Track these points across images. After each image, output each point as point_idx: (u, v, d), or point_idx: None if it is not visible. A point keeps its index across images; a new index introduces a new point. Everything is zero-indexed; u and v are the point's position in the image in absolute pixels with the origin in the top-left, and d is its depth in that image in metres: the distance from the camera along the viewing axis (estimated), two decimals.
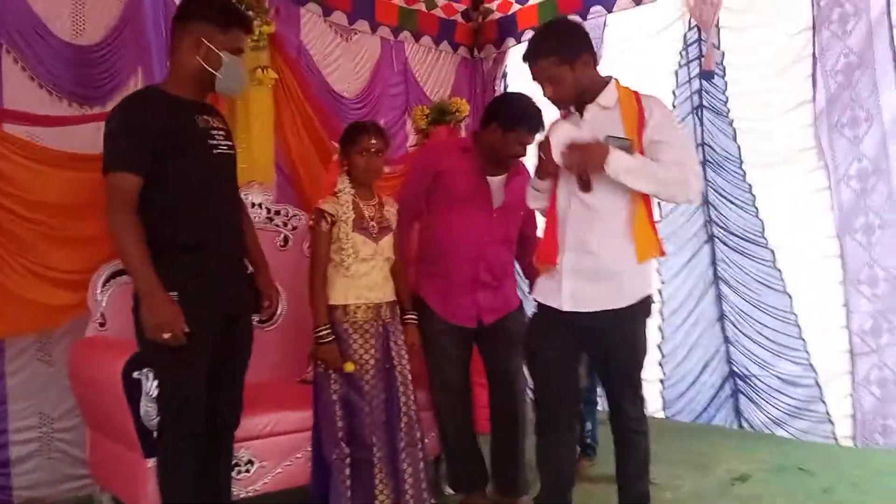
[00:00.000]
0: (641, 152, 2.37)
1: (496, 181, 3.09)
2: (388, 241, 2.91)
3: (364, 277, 2.84)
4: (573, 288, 2.44)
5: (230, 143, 2.51)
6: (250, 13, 3.26)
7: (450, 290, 3.06)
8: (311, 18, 4.40)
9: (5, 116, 3.15)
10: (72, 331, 3.14)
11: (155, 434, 2.47)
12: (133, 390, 2.45)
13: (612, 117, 2.40)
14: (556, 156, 2.38)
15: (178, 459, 2.37)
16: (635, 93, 2.46)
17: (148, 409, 2.46)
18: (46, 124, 3.23)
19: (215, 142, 2.42)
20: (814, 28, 4.03)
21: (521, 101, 3.05)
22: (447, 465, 3.20)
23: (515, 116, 2.96)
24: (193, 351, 2.30)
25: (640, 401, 2.56)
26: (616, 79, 2.50)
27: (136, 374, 2.46)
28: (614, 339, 2.47)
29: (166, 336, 2.22)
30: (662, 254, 2.54)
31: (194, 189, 2.35)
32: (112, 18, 3.54)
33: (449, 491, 3.26)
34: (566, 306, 2.45)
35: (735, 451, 3.75)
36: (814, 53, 4.05)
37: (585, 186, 2.41)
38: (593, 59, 2.49)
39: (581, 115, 2.46)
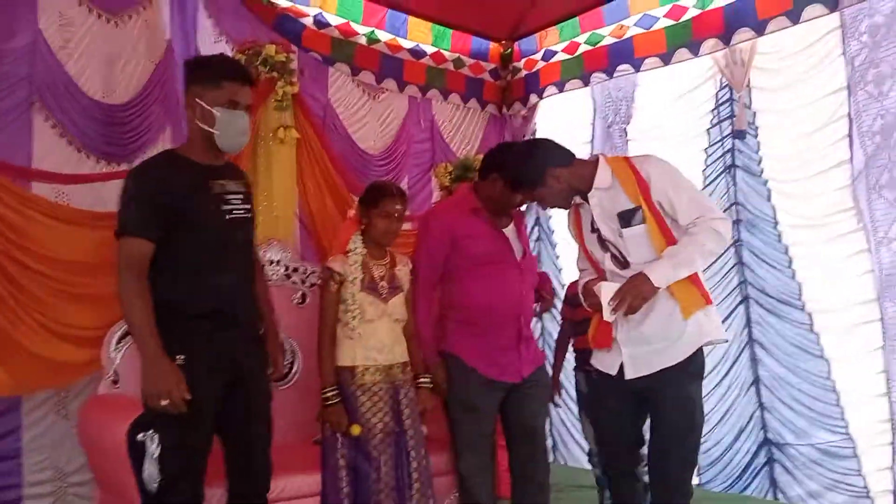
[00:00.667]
0: (655, 213, 2.48)
1: (510, 232, 3.11)
2: (398, 301, 2.87)
3: (372, 338, 2.81)
4: (632, 353, 2.52)
5: (248, 207, 2.48)
6: (275, 73, 3.32)
7: (493, 348, 3.00)
8: (339, 77, 4.48)
9: (33, 176, 3.24)
10: (89, 386, 3.16)
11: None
12: (137, 451, 2.39)
13: (614, 194, 2.54)
14: (610, 317, 2.47)
15: None
16: (626, 159, 2.59)
17: (151, 471, 2.39)
18: (72, 182, 3.32)
19: (230, 206, 2.40)
20: (849, 88, 3.96)
21: (532, 159, 3.03)
22: None
23: (529, 176, 2.87)
24: (193, 421, 2.26)
25: (687, 479, 2.58)
26: (602, 154, 2.65)
27: (140, 437, 2.40)
28: (669, 403, 2.52)
29: (164, 403, 2.20)
30: (709, 301, 2.57)
31: (204, 258, 2.34)
32: (142, 79, 3.65)
33: None
34: (629, 374, 2.53)
35: None
36: (849, 114, 3.97)
37: (622, 265, 2.54)
38: (566, 162, 2.64)
39: (587, 202, 2.60)
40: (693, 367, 2.52)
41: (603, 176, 2.56)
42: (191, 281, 2.32)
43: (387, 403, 2.79)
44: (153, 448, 2.38)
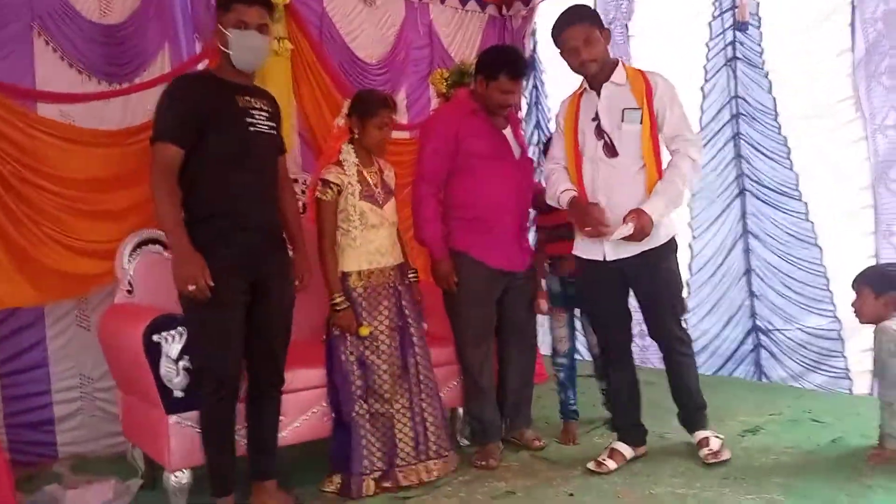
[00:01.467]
0: (652, 117, 2.84)
1: (508, 134, 3.25)
2: (391, 205, 3.01)
3: (374, 242, 2.95)
4: (614, 241, 2.84)
5: (272, 125, 2.68)
6: None
7: (495, 238, 3.17)
8: None
9: (38, 97, 3.33)
10: (109, 297, 3.31)
11: (177, 393, 2.64)
12: (153, 352, 2.61)
13: (624, 92, 2.88)
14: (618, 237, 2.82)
15: (212, 409, 2.57)
16: (640, 71, 2.93)
17: (168, 369, 2.62)
18: (76, 101, 3.40)
19: (253, 120, 2.60)
20: None
21: (501, 49, 3.34)
22: (471, 417, 3.29)
23: (495, 65, 3.13)
24: (220, 308, 2.49)
25: (682, 325, 3.06)
26: (622, 60, 2.98)
27: (155, 338, 2.61)
28: (653, 274, 2.91)
29: (191, 288, 2.42)
30: None
31: (224, 160, 2.54)
32: None
33: (465, 442, 3.37)
34: (610, 256, 2.90)
35: (752, 404, 3.76)
36: (852, 1, 3.92)
37: (612, 153, 2.88)
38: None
39: (598, 93, 2.91)
40: (674, 247, 2.97)
41: (620, 74, 2.91)
42: (211, 183, 2.53)
43: (391, 301, 2.96)
44: (168, 348, 2.61)
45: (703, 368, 4.46)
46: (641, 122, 2.84)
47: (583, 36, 2.85)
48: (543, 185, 3.33)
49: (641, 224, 2.75)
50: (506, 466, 3.10)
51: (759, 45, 4.35)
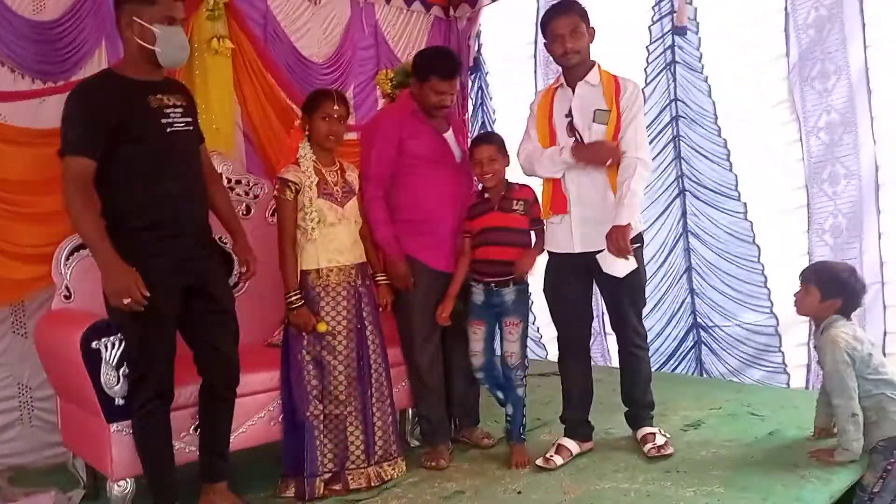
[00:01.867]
0: (618, 117, 2.96)
1: (449, 136, 3.27)
2: (352, 204, 2.98)
3: (333, 241, 2.92)
4: (582, 233, 3.00)
5: (189, 120, 2.57)
6: None
7: (438, 241, 3.19)
8: None
9: None
10: (46, 304, 3.22)
11: (118, 401, 2.58)
12: (93, 359, 2.54)
13: (596, 93, 3.01)
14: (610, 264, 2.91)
15: (146, 420, 2.52)
16: (614, 76, 3.05)
17: (108, 376, 2.56)
18: (8, 100, 3.28)
19: (169, 120, 2.48)
20: None
21: (433, 51, 3.37)
22: (420, 418, 3.31)
23: (426, 67, 3.18)
24: (154, 318, 2.41)
25: (642, 322, 3.18)
26: (598, 64, 3.07)
27: (94, 344, 2.54)
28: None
29: (126, 301, 2.34)
30: None
31: (146, 169, 2.44)
32: None
33: (415, 443, 3.37)
34: (578, 248, 3.02)
35: (692, 399, 3.85)
36: (786, 8, 4.06)
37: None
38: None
39: (573, 90, 3.03)
40: (636, 240, 3.01)
41: (594, 75, 3.03)
42: (134, 193, 2.43)
43: (350, 301, 2.94)
44: (108, 355, 2.55)
45: None
46: (607, 123, 2.97)
47: (570, 26, 2.96)
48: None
49: (625, 241, 2.87)
50: (456, 466, 3.12)
51: (698, 50, 4.45)
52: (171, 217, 2.48)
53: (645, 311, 4.49)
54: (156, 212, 2.45)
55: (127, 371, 2.56)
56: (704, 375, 4.51)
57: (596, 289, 3.21)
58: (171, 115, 2.50)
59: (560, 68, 3.11)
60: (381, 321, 3.09)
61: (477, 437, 3.35)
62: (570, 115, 3.03)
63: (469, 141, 3.37)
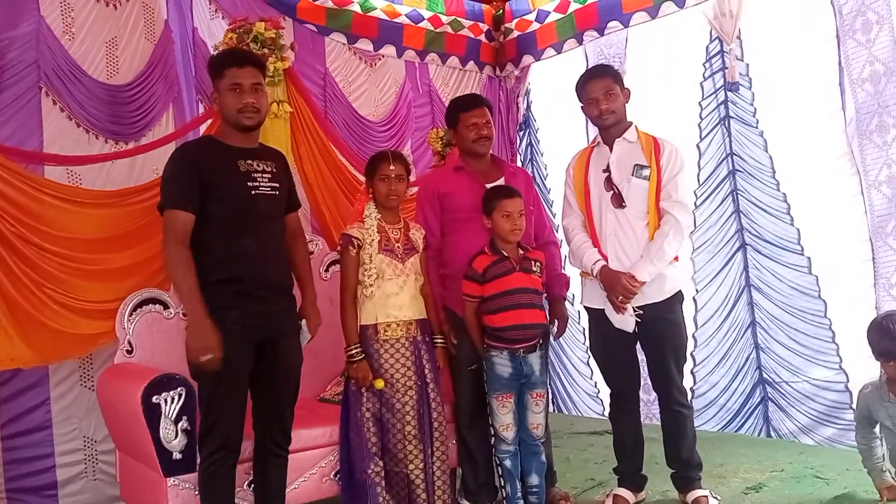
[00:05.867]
0: (659, 175, 3.03)
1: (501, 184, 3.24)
2: (413, 261, 3.02)
3: (392, 297, 2.96)
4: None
5: (275, 185, 2.72)
6: (265, 50, 3.42)
7: None
8: (336, 47, 4.55)
9: (44, 159, 3.39)
10: (111, 358, 3.28)
11: (176, 455, 2.64)
12: (153, 413, 2.61)
13: (635, 149, 3.10)
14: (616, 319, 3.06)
15: (211, 471, 2.56)
16: (653, 136, 3.15)
17: (167, 430, 2.63)
18: (82, 163, 3.46)
19: (256, 183, 2.66)
20: (837, 37, 4.03)
21: (456, 99, 3.45)
22: (466, 477, 3.26)
23: (452, 109, 3.33)
24: (226, 371, 2.51)
25: (683, 380, 3.14)
26: (635, 124, 3.18)
27: (155, 399, 2.62)
28: (661, 326, 3.05)
29: (204, 359, 2.45)
30: (676, 259, 3.11)
31: (227, 227, 2.59)
32: (143, 59, 3.76)
33: (464, 502, 3.31)
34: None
35: (754, 461, 3.74)
36: (839, 62, 4.04)
37: (619, 204, 3.06)
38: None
39: (611, 148, 3.12)
40: (681, 300, 3.14)
41: (632, 132, 3.14)
42: (216, 249, 2.58)
43: (409, 358, 2.95)
44: (168, 409, 2.62)
45: (711, 423, 4.56)
46: (649, 180, 3.03)
47: (604, 88, 3.09)
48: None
49: (625, 292, 2.98)
50: None
51: (752, 105, 4.45)
52: (247, 273, 2.60)
53: (710, 365, 4.62)
54: (234, 267, 2.58)
55: (186, 426, 2.64)
56: (772, 432, 4.39)
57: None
58: (259, 179, 2.67)
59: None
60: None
61: (553, 498, 3.23)
62: (607, 170, 3.10)
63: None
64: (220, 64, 2.68)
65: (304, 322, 2.82)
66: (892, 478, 2.92)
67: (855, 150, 4.00)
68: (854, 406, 3.95)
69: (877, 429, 2.94)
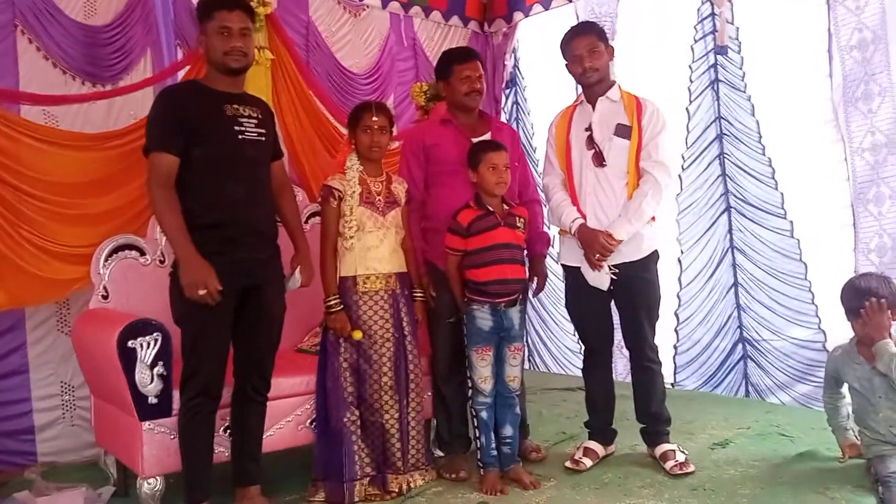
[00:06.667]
0: (640, 135, 3.04)
1: (487, 138, 3.21)
2: (394, 215, 3.00)
3: (372, 250, 2.96)
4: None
5: (262, 131, 2.71)
6: None
7: None
8: None
9: (21, 98, 3.33)
10: (88, 304, 3.29)
11: (151, 399, 2.65)
12: (128, 358, 2.61)
13: (617, 108, 3.10)
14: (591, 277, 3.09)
15: (191, 415, 2.59)
16: (635, 96, 3.14)
17: (142, 375, 2.63)
18: (60, 103, 3.41)
19: (242, 128, 2.64)
20: (828, 3, 4.02)
21: (449, 50, 3.40)
22: (440, 428, 3.28)
23: (444, 60, 3.27)
24: (211, 315, 2.53)
25: (654, 337, 3.19)
26: (618, 83, 3.18)
27: (130, 343, 2.61)
28: (637, 284, 3.07)
29: (202, 292, 2.47)
30: (653, 219, 3.13)
31: (214, 171, 2.58)
32: (122, 0, 3.68)
33: (439, 453, 3.34)
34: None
35: (722, 418, 3.81)
36: (829, 28, 4.03)
37: (600, 163, 3.06)
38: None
39: (593, 107, 3.12)
40: (657, 259, 3.17)
41: (615, 91, 3.13)
42: (202, 193, 2.56)
43: (387, 311, 2.96)
44: (143, 354, 2.62)
45: (692, 378, 4.68)
46: (630, 139, 3.03)
47: (589, 46, 3.07)
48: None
49: (602, 250, 3.02)
50: (479, 476, 3.08)
51: (741, 69, 4.44)
52: (233, 219, 2.59)
53: (693, 323, 4.69)
54: (219, 213, 2.58)
55: (161, 371, 2.64)
56: (750, 389, 4.49)
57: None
58: (245, 124, 2.65)
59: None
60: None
61: (526, 450, 3.30)
62: (589, 128, 3.10)
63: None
64: (209, 6, 2.65)
65: (297, 269, 2.83)
66: (855, 436, 2.98)
67: (840, 117, 4.02)
68: None
69: (843, 389, 2.99)
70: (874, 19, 3.86)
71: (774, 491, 2.79)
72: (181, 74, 3.52)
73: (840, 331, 3.27)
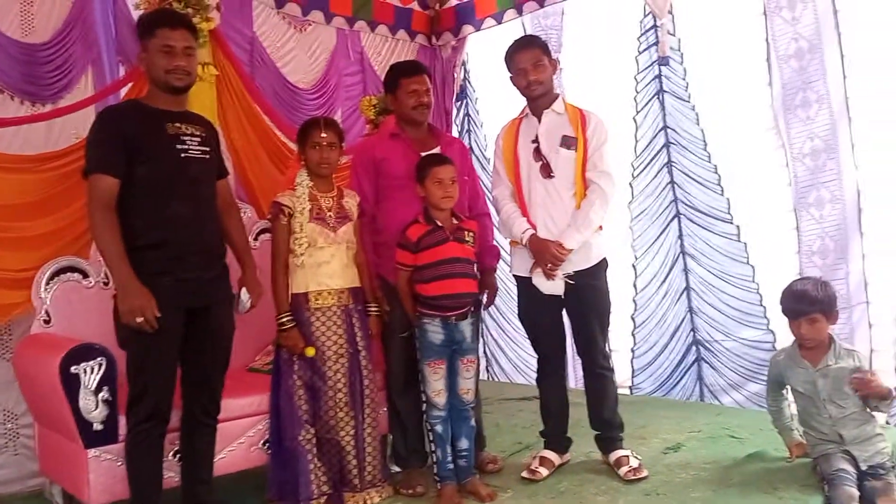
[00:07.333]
0: (585, 146, 3.09)
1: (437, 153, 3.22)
2: (346, 230, 2.98)
3: (324, 266, 2.93)
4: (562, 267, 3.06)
5: (206, 149, 2.68)
6: (189, 10, 3.31)
7: None
8: (263, 10, 4.40)
9: None
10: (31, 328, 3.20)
11: (96, 426, 2.58)
12: (72, 384, 2.54)
13: (562, 120, 3.15)
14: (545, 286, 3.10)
15: (139, 440, 2.52)
16: (579, 108, 3.19)
17: (87, 401, 2.56)
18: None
19: (185, 146, 2.61)
20: (765, 14, 4.14)
21: (397, 64, 3.42)
22: (397, 444, 3.27)
23: (392, 74, 3.28)
24: (156, 337, 2.47)
25: (606, 344, 3.24)
26: (562, 95, 3.27)
27: (74, 369, 2.54)
28: (587, 292, 3.12)
29: (139, 320, 2.41)
30: (601, 228, 3.17)
31: (157, 190, 2.54)
32: (61, 17, 3.60)
33: (395, 469, 3.32)
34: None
35: (674, 422, 3.87)
36: (767, 39, 4.15)
37: (547, 175, 3.09)
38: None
39: (539, 119, 3.16)
40: (606, 267, 3.21)
41: (559, 104, 3.18)
42: (145, 213, 2.52)
43: (340, 326, 2.94)
44: (87, 380, 2.56)
45: (649, 381, 4.78)
46: (576, 150, 3.08)
47: (533, 59, 3.11)
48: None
49: (553, 259, 3.04)
50: (436, 491, 3.06)
51: (684, 80, 4.55)
52: (177, 238, 2.55)
53: (648, 328, 4.79)
54: (163, 232, 2.53)
55: (107, 396, 2.58)
56: (704, 389, 4.59)
57: None
58: (188, 142, 2.62)
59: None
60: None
61: (482, 462, 3.28)
62: (536, 140, 3.14)
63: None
64: (151, 23, 2.60)
65: (243, 291, 2.79)
66: (801, 436, 3.04)
67: (781, 124, 4.14)
68: None
69: (785, 391, 3.07)
70: (809, 29, 3.99)
71: (725, 493, 2.84)
72: (123, 92, 3.45)
73: (788, 331, 3.36)
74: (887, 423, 3.27)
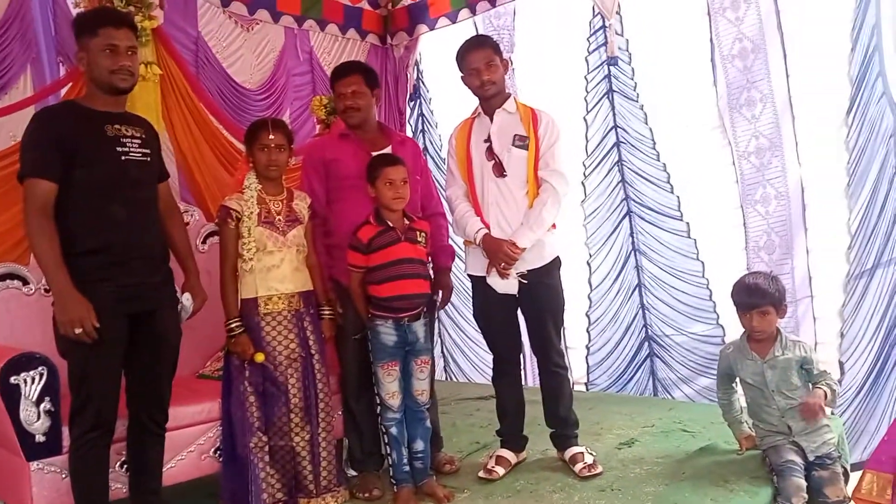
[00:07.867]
0: (537, 145, 3.10)
1: (387, 152, 3.18)
2: (296, 233, 2.93)
3: (273, 270, 2.88)
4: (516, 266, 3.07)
5: (146, 151, 2.60)
6: (131, 7, 3.24)
7: None
8: (209, 9, 4.32)
9: None
10: None
11: (38, 437, 2.49)
12: (12, 395, 2.44)
13: (514, 120, 3.16)
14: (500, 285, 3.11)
15: (83, 452, 2.45)
16: (530, 108, 3.20)
17: (28, 413, 2.46)
18: None
19: (125, 149, 2.52)
20: (709, 14, 4.22)
21: (335, 66, 3.38)
22: (353, 447, 3.24)
23: (330, 78, 3.28)
24: (97, 346, 2.39)
25: (560, 342, 3.26)
26: (514, 95, 3.30)
27: (13, 379, 2.45)
28: (541, 291, 3.13)
29: (78, 331, 2.34)
30: (553, 227, 3.18)
31: (96, 194, 2.45)
32: None
33: (352, 472, 3.28)
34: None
35: (628, 418, 3.91)
36: (711, 39, 4.24)
37: (500, 174, 3.10)
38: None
39: (491, 119, 3.16)
40: (555, 263, 3.19)
41: (511, 104, 3.18)
42: (86, 215, 2.43)
43: (291, 331, 2.89)
44: (28, 390, 2.46)
45: (604, 377, 4.85)
46: (528, 149, 3.09)
47: (485, 59, 3.10)
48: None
49: (507, 257, 3.05)
50: (392, 494, 3.03)
51: (633, 80, 4.62)
52: (118, 242, 2.47)
53: (602, 325, 4.85)
54: (104, 236, 2.45)
55: (49, 407, 2.49)
56: (657, 384, 4.67)
57: None
58: (128, 144, 2.53)
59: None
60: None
61: (439, 463, 3.26)
62: (488, 140, 3.15)
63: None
64: (92, 21, 2.51)
65: (185, 297, 2.72)
66: (750, 429, 3.10)
67: (726, 122, 4.24)
68: None
69: (735, 384, 3.12)
70: (753, 30, 4.08)
71: (677, 486, 2.88)
72: (63, 92, 3.35)
73: (737, 325, 3.43)
74: (832, 413, 3.35)
